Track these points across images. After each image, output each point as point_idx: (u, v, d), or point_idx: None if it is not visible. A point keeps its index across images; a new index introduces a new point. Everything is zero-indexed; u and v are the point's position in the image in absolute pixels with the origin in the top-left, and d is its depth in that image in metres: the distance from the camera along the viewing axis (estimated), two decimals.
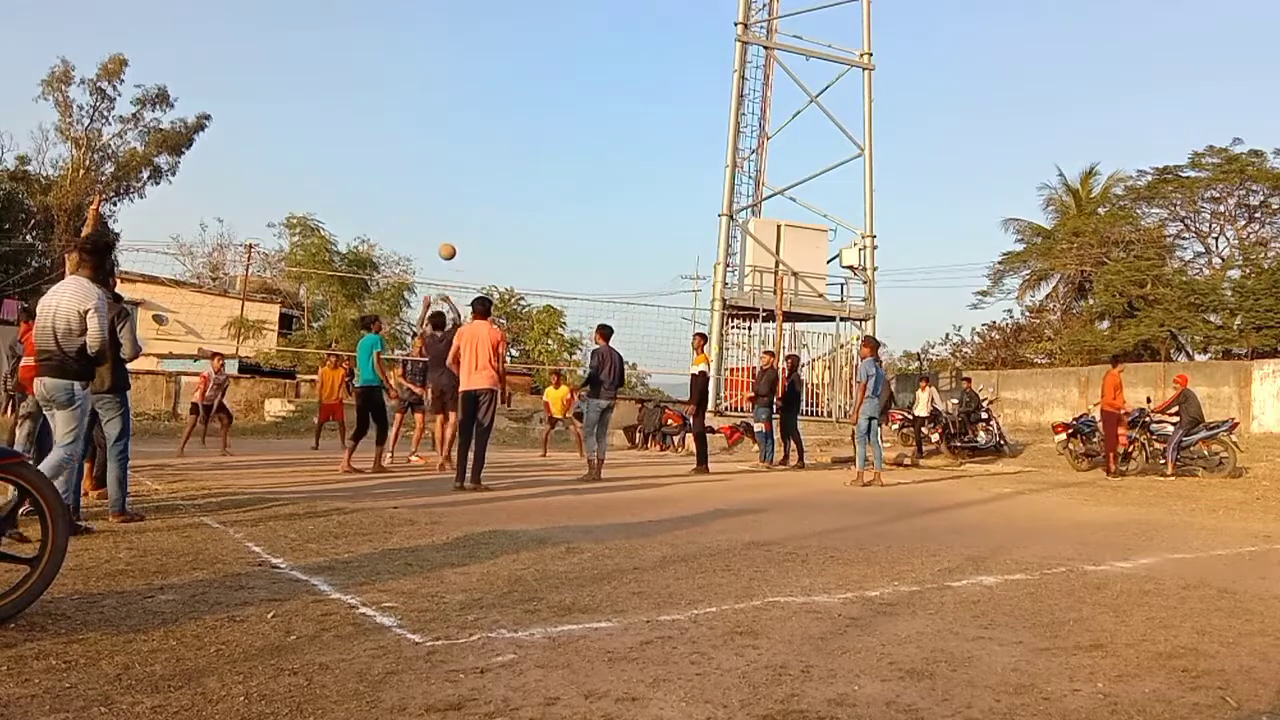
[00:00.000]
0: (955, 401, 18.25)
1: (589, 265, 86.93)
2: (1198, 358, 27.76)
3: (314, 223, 34.48)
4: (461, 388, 8.85)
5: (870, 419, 11.33)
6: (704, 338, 14.07)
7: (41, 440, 7.02)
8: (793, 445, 14.74)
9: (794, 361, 15.99)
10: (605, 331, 10.95)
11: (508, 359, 8.99)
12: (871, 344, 12.06)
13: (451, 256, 11.67)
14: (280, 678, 2.87)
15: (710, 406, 22.40)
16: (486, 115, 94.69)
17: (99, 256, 5.59)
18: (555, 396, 17.18)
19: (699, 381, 12.82)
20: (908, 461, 16.42)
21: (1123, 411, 13.95)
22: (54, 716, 2.49)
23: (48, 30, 62.72)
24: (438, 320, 11.77)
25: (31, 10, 62.18)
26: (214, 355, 15.42)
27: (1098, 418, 14.45)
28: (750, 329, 24.03)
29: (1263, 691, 3.10)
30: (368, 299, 35.20)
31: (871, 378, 11.31)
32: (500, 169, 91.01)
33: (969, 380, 19.36)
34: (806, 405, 21.44)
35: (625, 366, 10.67)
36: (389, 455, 12.39)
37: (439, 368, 10.54)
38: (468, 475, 8.69)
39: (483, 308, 9.26)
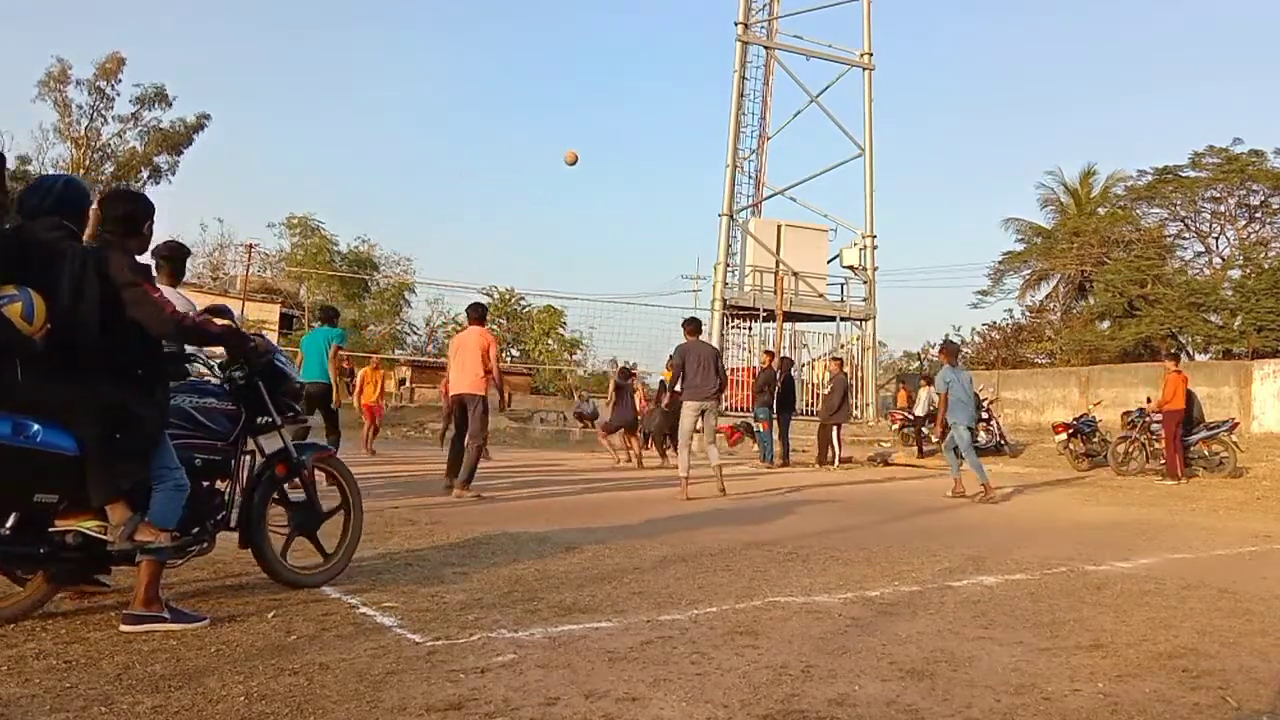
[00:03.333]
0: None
1: (590, 265, 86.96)
2: (1198, 358, 27.74)
3: (314, 223, 34.56)
4: (450, 392, 8.96)
5: (967, 428, 10.19)
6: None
7: None
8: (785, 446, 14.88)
9: (786, 363, 16.02)
10: (692, 326, 9.78)
11: (504, 359, 9.08)
12: (951, 350, 10.90)
13: (574, 162, 12.45)
14: (280, 678, 2.87)
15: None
16: (487, 115, 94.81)
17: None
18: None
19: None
20: (895, 460, 16.54)
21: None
22: (54, 716, 2.49)
23: (47, 30, 62.78)
24: (624, 373, 14.97)
25: (31, 10, 62.21)
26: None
27: (1150, 415, 13.84)
28: (750, 329, 24.04)
29: (1263, 691, 3.10)
30: (368, 299, 35.27)
31: (952, 384, 10.16)
32: (500, 169, 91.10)
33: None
34: (807, 405, 21.46)
35: (718, 364, 9.45)
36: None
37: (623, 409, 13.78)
38: (459, 476, 8.37)
39: (476, 314, 9.04)
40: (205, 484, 3.77)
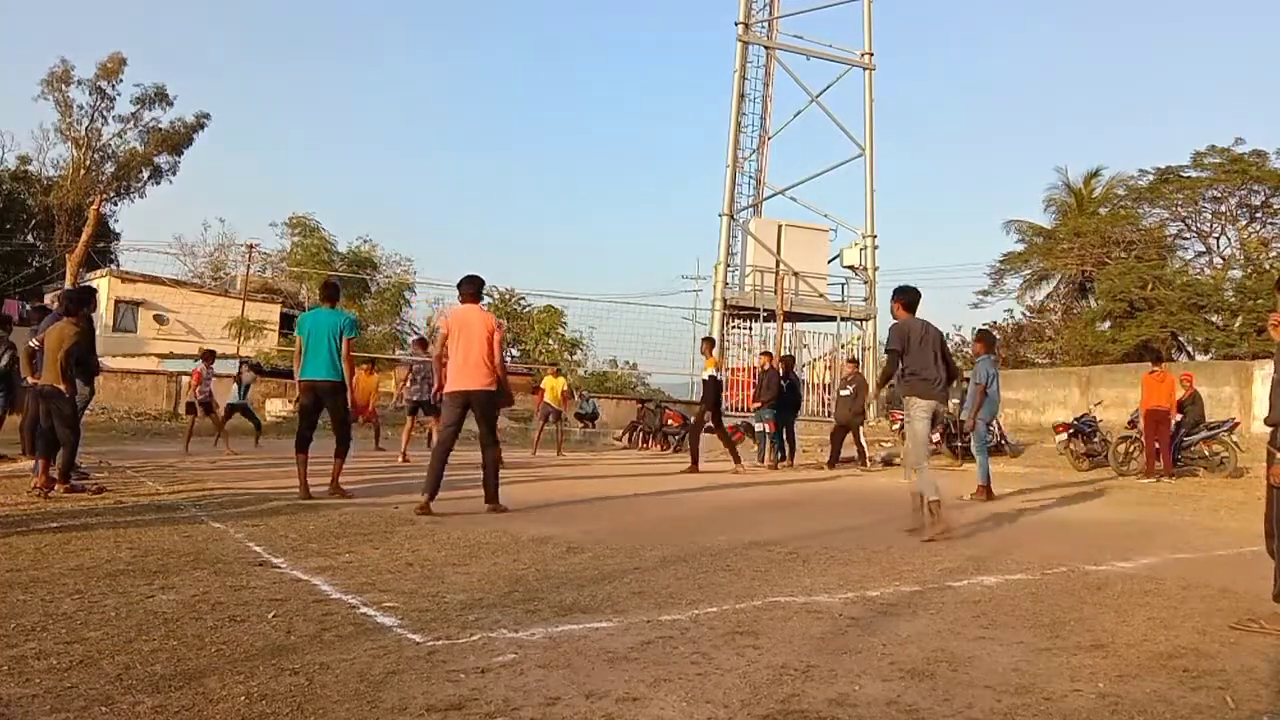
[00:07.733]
0: (956, 401, 18.22)
1: (589, 265, 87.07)
2: (1199, 358, 27.72)
3: (313, 222, 34.49)
4: (450, 388, 7.19)
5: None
6: (711, 342, 13.39)
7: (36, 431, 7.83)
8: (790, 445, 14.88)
9: (789, 362, 15.99)
10: (905, 298, 7.10)
11: (506, 357, 7.30)
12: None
13: None
14: (281, 677, 2.87)
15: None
16: (487, 115, 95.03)
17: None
18: (551, 385, 16.76)
19: (710, 386, 12.52)
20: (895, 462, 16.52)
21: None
22: (55, 716, 2.49)
23: (48, 30, 62.74)
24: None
25: (32, 9, 62.19)
26: (206, 353, 15.39)
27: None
28: (751, 329, 24.05)
29: (1263, 691, 3.10)
30: (368, 299, 35.23)
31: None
32: (501, 169, 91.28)
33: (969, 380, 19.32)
34: (806, 405, 21.45)
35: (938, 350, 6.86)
36: (400, 455, 12.40)
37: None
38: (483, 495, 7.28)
39: (472, 289, 7.47)
40: None
